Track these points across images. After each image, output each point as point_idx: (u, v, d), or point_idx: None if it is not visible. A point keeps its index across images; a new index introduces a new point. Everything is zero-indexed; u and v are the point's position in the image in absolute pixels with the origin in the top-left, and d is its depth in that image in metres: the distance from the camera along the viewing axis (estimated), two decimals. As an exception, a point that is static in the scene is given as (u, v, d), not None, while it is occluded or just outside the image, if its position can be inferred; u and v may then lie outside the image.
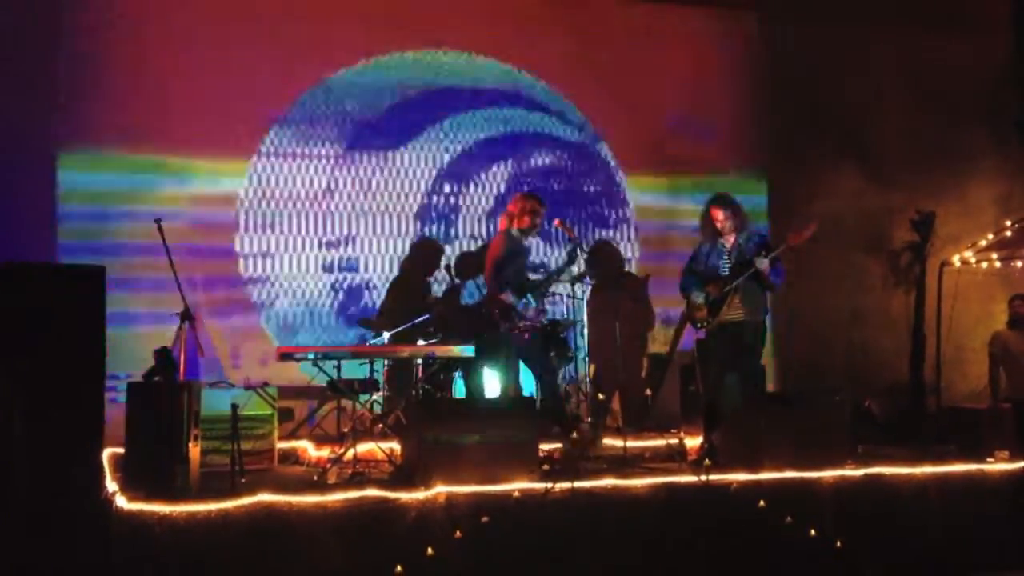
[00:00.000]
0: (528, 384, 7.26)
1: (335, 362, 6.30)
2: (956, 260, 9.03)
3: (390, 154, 8.59)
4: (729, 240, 6.64)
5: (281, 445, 6.70)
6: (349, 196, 8.46)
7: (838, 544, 5.61)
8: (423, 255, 8.44)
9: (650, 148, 9.16)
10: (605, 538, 5.36)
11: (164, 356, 5.74)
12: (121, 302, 6.93)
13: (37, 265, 5.53)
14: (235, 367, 7.76)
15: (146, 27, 7.94)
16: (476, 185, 8.79)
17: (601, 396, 7.60)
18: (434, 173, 8.69)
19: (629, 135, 9.17)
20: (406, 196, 8.60)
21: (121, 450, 5.53)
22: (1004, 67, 9.70)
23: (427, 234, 8.58)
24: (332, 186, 8.42)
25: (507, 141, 8.90)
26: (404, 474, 5.62)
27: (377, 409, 7.19)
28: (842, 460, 5.98)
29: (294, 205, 8.31)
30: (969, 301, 9.03)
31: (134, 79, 7.85)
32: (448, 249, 8.59)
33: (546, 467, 5.73)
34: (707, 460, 6.12)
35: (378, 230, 8.50)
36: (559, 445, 6.44)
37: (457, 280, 8.14)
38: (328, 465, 5.99)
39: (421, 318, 7.60)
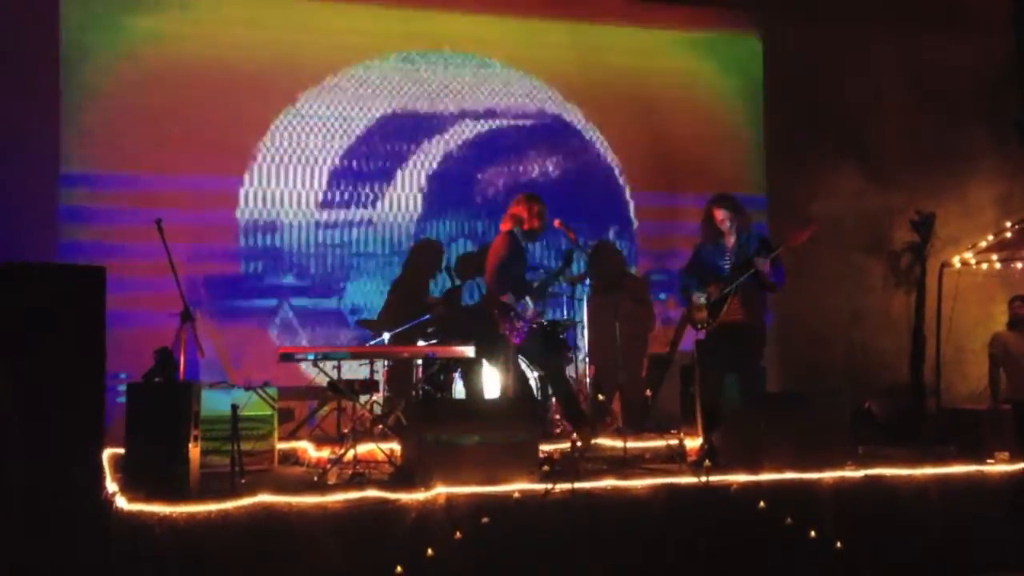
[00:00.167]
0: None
1: (335, 363, 6.30)
2: (956, 261, 9.03)
3: (389, 154, 8.59)
4: (729, 240, 6.64)
5: (281, 446, 6.70)
6: (349, 196, 8.46)
7: (838, 545, 5.62)
8: (424, 256, 8.44)
9: (650, 147, 9.16)
10: (605, 539, 5.36)
11: (164, 356, 5.74)
12: (121, 302, 6.92)
13: (37, 265, 5.53)
14: (235, 367, 7.75)
15: (146, 27, 7.94)
16: (476, 186, 8.78)
17: (601, 397, 7.60)
18: (434, 174, 8.68)
19: (629, 135, 9.16)
20: (406, 196, 8.60)
21: (121, 450, 5.53)
22: (1004, 67, 9.70)
23: (427, 235, 8.58)
24: (332, 186, 8.42)
25: (507, 142, 8.90)
26: (404, 475, 5.62)
27: (377, 410, 7.18)
28: (842, 461, 5.99)
29: (294, 206, 8.31)
30: (969, 302, 9.03)
31: (133, 78, 7.86)
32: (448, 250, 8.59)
33: (546, 468, 5.74)
34: (707, 461, 6.13)
35: (378, 231, 8.50)
36: (563, 445, 6.44)
37: (457, 281, 8.14)
38: (328, 466, 5.99)
39: (421, 319, 7.60)
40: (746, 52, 9.53)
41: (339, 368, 6.36)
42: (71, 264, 6.24)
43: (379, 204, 8.53)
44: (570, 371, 7.70)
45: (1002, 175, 9.55)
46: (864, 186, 9.02)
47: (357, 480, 5.57)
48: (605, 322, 7.59)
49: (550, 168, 8.99)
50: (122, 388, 5.62)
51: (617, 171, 9.18)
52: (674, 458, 6.43)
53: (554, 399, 7.37)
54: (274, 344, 7.89)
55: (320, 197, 8.39)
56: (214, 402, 6.05)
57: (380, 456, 6.17)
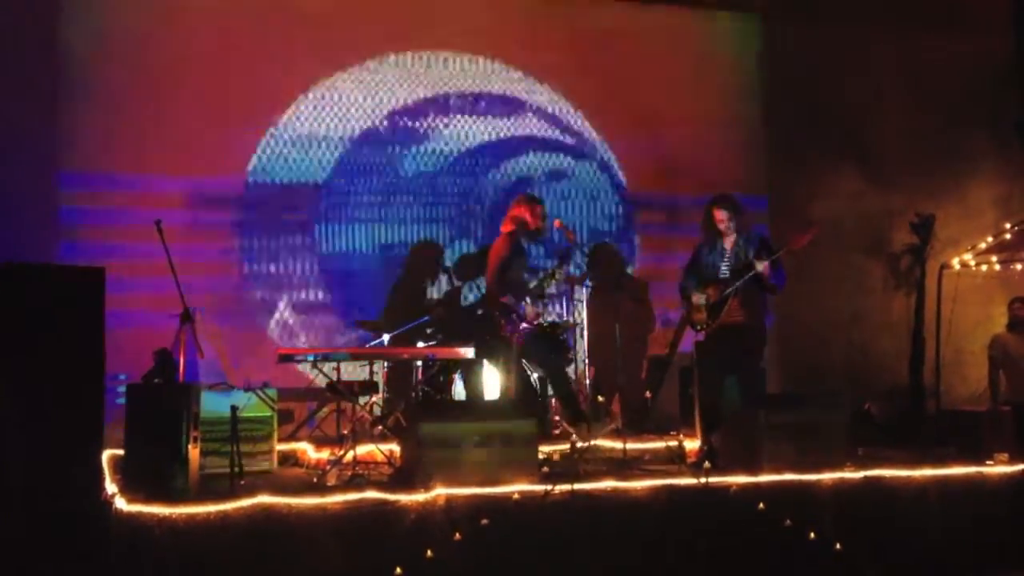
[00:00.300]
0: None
1: (334, 364, 6.30)
2: (956, 263, 9.03)
3: (389, 155, 8.59)
4: (729, 242, 6.63)
5: (281, 447, 6.70)
6: (349, 196, 8.46)
7: (838, 546, 5.61)
8: (422, 257, 8.43)
9: (651, 148, 9.16)
10: (605, 540, 5.35)
11: (164, 358, 5.74)
12: (121, 303, 6.92)
13: (37, 266, 5.54)
14: (235, 368, 7.75)
15: (145, 28, 7.94)
16: (475, 187, 8.78)
17: (601, 398, 7.60)
18: (433, 175, 8.69)
19: (629, 135, 9.17)
20: (405, 196, 8.60)
21: (121, 452, 5.52)
22: (1004, 67, 9.70)
23: (426, 236, 8.57)
24: (331, 186, 8.42)
25: (507, 143, 8.90)
26: (404, 476, 5.61)
27: (377, 411, 7.18)
28: (842, 462, 5.98)
29: (293, 205, 8.31)
30: (968, 304, 9.03)
31: (133, 78, 7.86)
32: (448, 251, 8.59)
33: (546, 469, 5.73)
34: (707, 462, 6.13)
35: (377, 231, 8.50)
36: (563, 446, 6.44)
37: (457, 282, 8.13)
38: (328, 467, 5.99)
39: (420, 320, 7.59)
40: (746, 52, 9.53)
41: (338, 369, 6.36)
42: (71, 265, 6.24)
43: (378, 204, 8.53)
44: (570, 372, 7.70)
45: (1002, 177, 9.55)
46: (864, 187, 9.01)
47: (356, 481, 5.56)
48: (605, 323, 7.58)
49: (550, 168, 8.98)
50: (121, 389, 5.60)
51: (617, 171, 9.18)
52: (674, 459, 6.42)
53: (554, 400, 7.37)
54: (273, 345, 7.89)
55: (319, 197, 8.39)
56: (214, 403, 6.05)
57: (380, 457, 6.17)
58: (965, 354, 9.13)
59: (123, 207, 7.72)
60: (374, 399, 7.18)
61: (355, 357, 6.56)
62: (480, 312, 7.48)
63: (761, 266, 6.36)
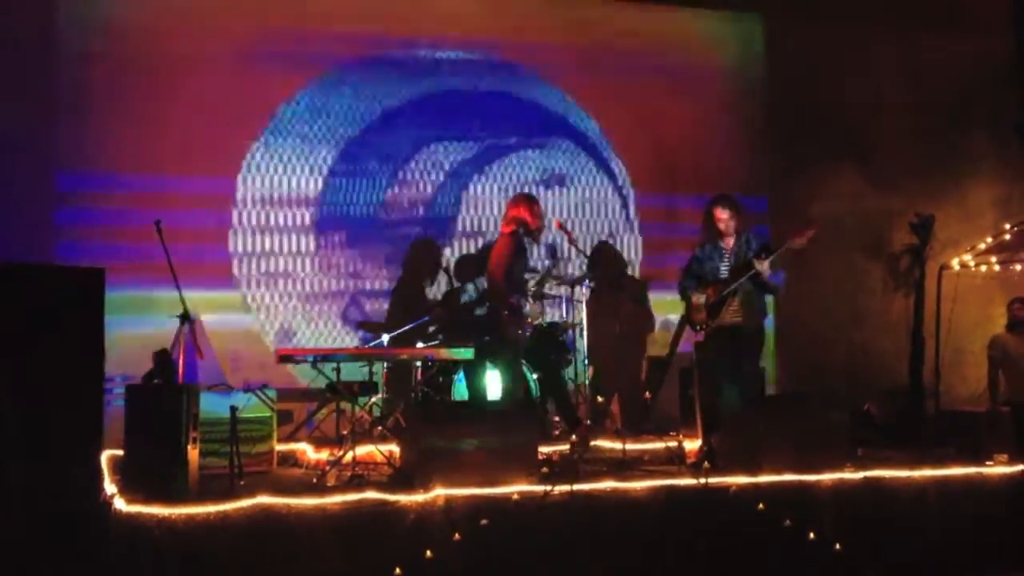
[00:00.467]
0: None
1: (334, 364, 6.30)
2: (955, 263, 9.03)
3: (388, 155, 8.59)
4: (729, 242, 6.63)
5: (280, 447, 6.71)
6: (348, 196, 8.46)
7: (837, 547, 5.61)
8: (421, 256, 8.43)
9: (651, 148, 9.16)
10: (604, 541, 5.35)
11: (163, 358, 5.74)
12: (120, 304, 6.93)
13: (37, 266, 5.55)
14: (234, 369, 7.75)
15: (144, 28, 7.94)
16: (475, 187, 8.78)
17: (600, 399, 7.59)
18: (432, 175, 8.69)
19: (630, 136, 9.17)
20: (404, 197, 8.60)
21: (120, 452, 5.52)
22: (1004, 67, 9.69)
23: (424, 236, 8.57)
24: (330, 186, 8.42)
25: (506, 142, 8.89)
26: (403, 476, 5.61)
27: (376, 411, 7.18)
28: (841, 463, 5.97)
29: (293, 206, 8.31)
30: (968, 304, 9.02)
31: (132, 79, 7.86)
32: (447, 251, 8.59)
33: (545, 470, 5.73)
34: (706, 463, 6.13)
35: (376, 231, 8.50)
36: (563, 447, 6.44)
37: (457, 282, 8.13)
38: (327, 467, 5.99)
39: (420, 320, 7.59)
40: (746, 52, 9.53)
41: (338, 370, 6.36)
42: (71, 265, 6.25)
43: (377, 204, 8.53)
44: (569, 373, 7.69)
45: (1002, 178, 9.55)
46: (864, 188, 9.01)
47: (356, 482, 5.56)
48: (604, 324, 7.58)
49: (550, 168, 8.98)
50: (120, 391, 5.60)
51: (618, 172, 9.18)
52: (673, 460, 6.43)
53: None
54: (273, 346, 7.89)
55: (318, 197, 8.38)
56: (213, 404, 6.05)
57: (379, 458, 6.17)
58: (965, 354, 9.13)
59: (123, 207, 7.71)
60: (373, 400, 7.18)
61: (355, 357, 6.55)
62: (484, 312, 7.47)
63: (761, 266, 6.36)
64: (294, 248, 8.30)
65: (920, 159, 9.29)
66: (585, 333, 7.76)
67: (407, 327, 7.47)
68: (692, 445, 6.71)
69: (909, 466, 6.08)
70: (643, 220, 9.20)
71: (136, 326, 7.25)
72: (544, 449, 6.15)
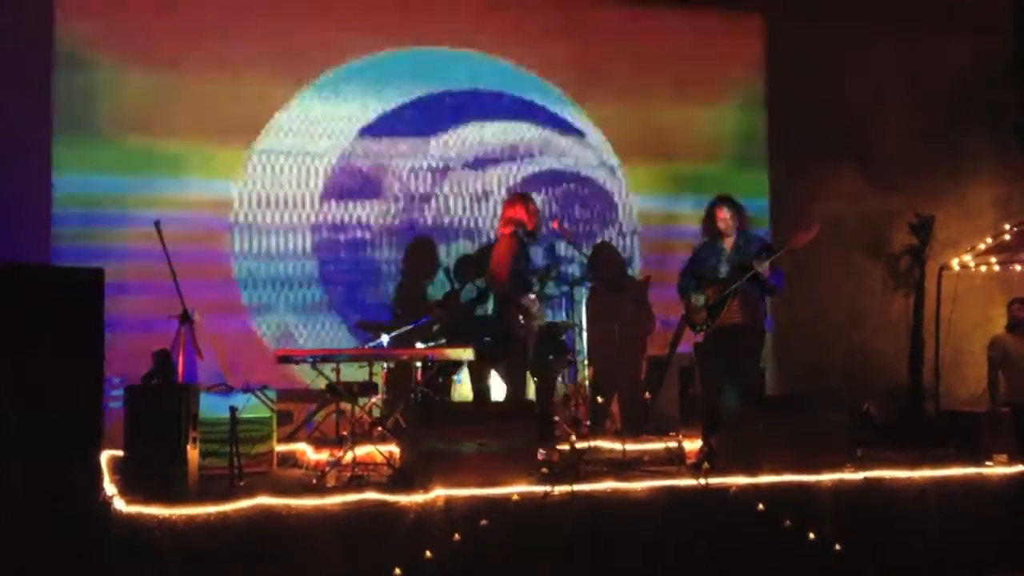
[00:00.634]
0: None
1: (334, 365, 6.30)
2: (955, 264, 9.04)
3: (387, 154, 8.58)
4: (729, 242, 6.63)
5: (280, 448, 6.70)
6: (348, 195, 8.46)
7: (837, 547, 5.61)
8: (419, 256, 8.41)
9: (651, 149, 9.15)
10: (604, 541, 5.35)
11: (163, 359, 5.74)
12: (120, 305, 6.92)
13: (37, 266, 5.56)
14: (234, 370, 7.74)
15: (143, 24, 7.95)
16: (474, 186, 8.78)
17: (600, 399, 7.59)
18: (432, 174, 8.68)
19: (630, 137, 9.15)
20: (403, 197, 8.60)
21: (120, 453, 5.52)
22: (1004, 67, 9.70)
23: (424, 236, 8.56)
24: (330, 186, 8.41)
25: (506, 142, 8.89)
26: (403, 477, 5.61)
27: (376, 412, 7.18)
28: (841, 463, 5.98)
29: (292, 206, 8.31)
30: (968, 305, 9.04)
31: (131, 79, 7.86)
32: (444, 249, 8.58)
33: (545, 470, 5.73)
34: (706, 463, 6.13)
35: (376, 231, 8.50)
36: (562, 447, 6.44)
37: (456, 283, 8.12)
38: (327, 468, 5.99)
39: (420, 320, 7.59)
40: (746, 53, 9.52)
41: (338, 370, 6.36)
42: (71, 267, 6.24)
43: (376, 204, 8.53)
44: (569, 373, 7.70)
45: (1001, 178, 9.56)
46: (864, 188, 9.03)
47: (356, 482, 5.57)
48: (604, 324, 7.58)
49: (550, 168, 8.98)
50: (120, 391, 5.60)
51: (618, 172, 9.17)
52: (673, 460, 6.43)
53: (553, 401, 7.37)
54: (273, 346, 7.89)
55: (317, 197, 8.38)
56: (212, 405, 6.05)
57: (379, 458, 6.17)
58: (964, 355, 9.14)
59: (122, 208, 7.71)
60: (373, 400, 7.18)
61: (354, 358, 6.55)
62: (485, 313, 7.46)
63: (761, 266, 6.36)
64: (294, 248, 8.29)
65: (920, 159, 9.30)
66: (585, 333, 7.76)
67: (406, 328, 7.47)
68: (692, 445, 6.71)
69: (909, 466, 6.08)
70: (643, 221, 9.20)
71: (136, 326, 7.25)
72: (544, 449, 6.15)
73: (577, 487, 5.40)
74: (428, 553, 5.03)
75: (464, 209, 8.74)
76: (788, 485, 5.71)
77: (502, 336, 6.91)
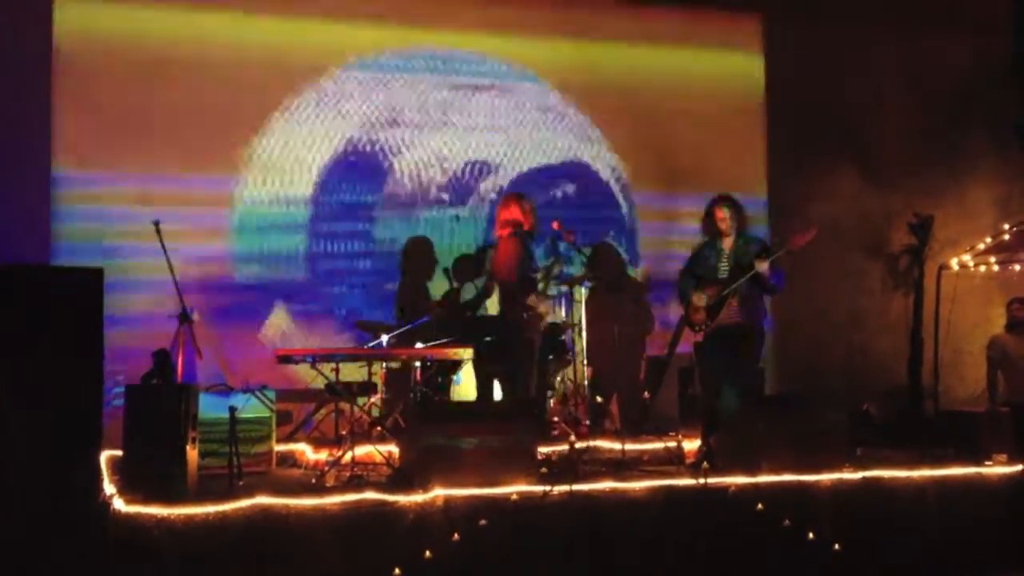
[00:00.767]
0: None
1: (333, 364, 6.30)
2: (954, 263, 9.04)
3: (385, 154, 8.58)
4: (728, 242, 6.63)
5: (279, 448, 6.71)
6: (348, 195, 8.46)
7: (836, 547, 5.61)
8: (417, 255, 8.40)
9: (651, 149, 9.16)
10: (603, 541, 5.35)
11: (162, 359, 5.74)
12: (119, 304, 6.92)
13: (36, 266, 5.56)
14: (233, 370, 7.74)
15: (143, 24, 7.95)
16: (473, 186, 8.78)
17: (599, 399, 7.59)
18: (432, 174, 8.68)
19: (630, 137, 9.16)
20: (402, 197, 8.60)
21: (119, 452, 5.52)
22: (1004, 67, 9.70)
23: (423, 236, 8.56)
24: (328, 186, 8.41)
25: (506, 142, 8.89)
26: (402, 477, 5.61)
27: (375, 412, 7.18)
28: (840, 463, 5.98)
29: (291, 206, 8.31)
30: (967, 304, 9.04)
31: (131, 78, 7.87)
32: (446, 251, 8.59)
33: (544, 470, 5.74)
34: (705, 463, 6.13)
35: (374, 231, 8.50)
36: (561, 447, 6.44)
37: (456, 283, 8.12)
38: (326, 468, 5.99)
39: (420, 321, 7.58)
40: (746, 53, 9.52)
41: (337, 370, 6.37)
42: (70, 266, 6.25)
43: (375, 204, 8.53)
44: (568, 373, 7.70)
45: (1001, 178, 9.56)
46: (863, 188, 9.03)
47: (355, 482, 5.57)
48: (604, 324, 7.58)
49: (549, 167, 8.98)
50: (119, 391, 5.60)
51: (618, 171, 9.18)
52: (672, 460, 6.44)
53: (552, 401, 7.37)
54: (272, 346, 7.89)
55: (317, 197, 8.38)
56: (212, 404, 6.05)
57: (378, 458, 6.17)
58: (964, 355, 9.14)
59: (122, 207, 7.71)
60: (372, 400, 7.18)
61: (353, 358, 6.55)
62: (487, 313, 7.46)
63: (761, 266, 6.36)
64: (293, 248, 8.29)
65: (920, 159, 9.30)
66: (584, 333, 7.76)
67: (405, 327, 7.46)
68: (691, 445, 6.72)
69: (908, 466, 6.08)
70: (643, 220, 9.20)
71: (136, 326, 7.25)
72: (543, 449, 6.15)
73: (576, 487, 5.40)
74: (427, 553, 5.03)
75: (464, 209, 8.74)
76: (787, 485, 5.71)
77: (509, 336, 6.90)
